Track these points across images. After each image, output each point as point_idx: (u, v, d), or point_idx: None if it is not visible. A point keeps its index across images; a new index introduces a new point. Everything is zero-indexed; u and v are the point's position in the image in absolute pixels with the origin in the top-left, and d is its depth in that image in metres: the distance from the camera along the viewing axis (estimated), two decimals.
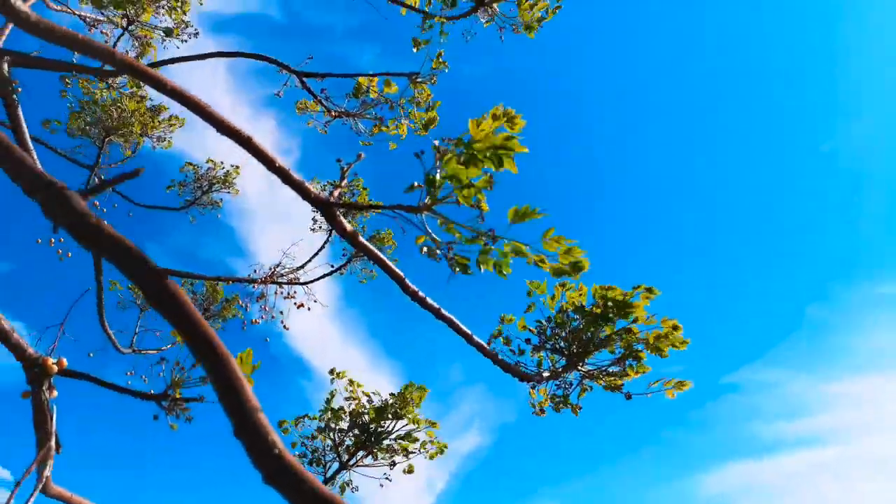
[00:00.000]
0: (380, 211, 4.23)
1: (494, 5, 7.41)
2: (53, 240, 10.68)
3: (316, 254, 12.35)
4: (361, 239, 4.34)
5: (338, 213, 4.42)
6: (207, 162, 13.62)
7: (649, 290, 4.77)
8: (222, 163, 13.62)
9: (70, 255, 10.59)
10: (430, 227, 4.03)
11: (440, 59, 7.60)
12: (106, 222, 2.10)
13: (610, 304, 4.83)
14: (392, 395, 7.98)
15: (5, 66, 8.51)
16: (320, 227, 13.85)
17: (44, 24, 2.88)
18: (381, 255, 4.39)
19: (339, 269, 12.33)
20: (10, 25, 9.34)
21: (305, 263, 11.93)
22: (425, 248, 4.03)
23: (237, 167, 13.73)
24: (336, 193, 4.49)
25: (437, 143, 3.76)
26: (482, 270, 3.48)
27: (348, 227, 4.35)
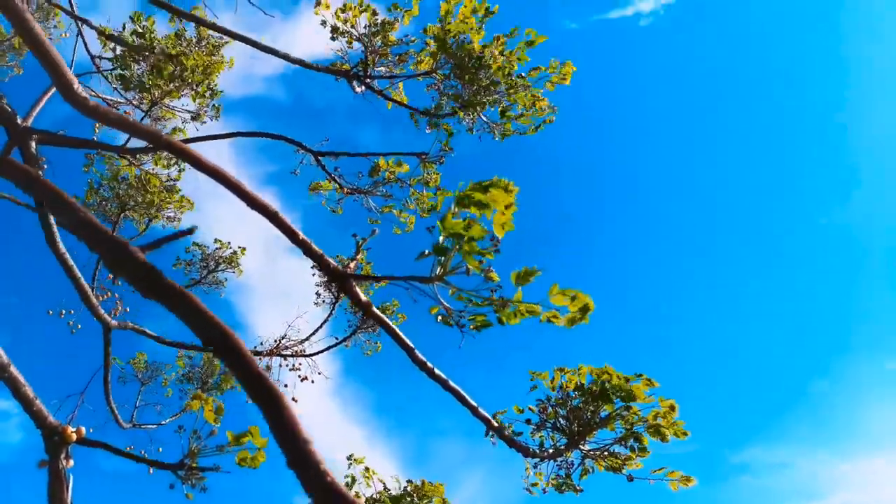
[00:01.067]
0: (386, 282, 4.49)
1: (478, 110, 7.90)
2: (64, 311, 10.90)
3: (321, 325, 12.51)
4: (375, 310, 4.57)
5: (354, 284, 4.67)
6: (215, 242, 13.96)
7: (649, 381, 4.93)
8: (229, 243, 13.97)
9: (80, 326, 10.78)
10: (441, 296, 4.28)
11: (447, 145, 8.07)
12: (163, 274, 2.34)
13: (608, 386, 4.98)
14: (410, 482, 7.95)
15: (33, 145, 9.00)
16: (323, 301, 14.07)
17: (101, 109, 3.22)
18: (394, 326, 4.61)
19: (344, 340, 12.44)
20: (43, 102, 9.93)
21: (311, 335, 12.06)
22: (440, 317, 4.26)
23: (243, 248, 14.05)
24: (352, 266, 4.75)
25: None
26: (503, 324, 3.71)
27: (363, 298, 4.59)
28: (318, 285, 14.04)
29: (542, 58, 7.50)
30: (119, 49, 9.56)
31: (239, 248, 13.82)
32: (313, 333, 13.02)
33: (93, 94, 11.76)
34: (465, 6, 7.41)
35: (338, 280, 4.63)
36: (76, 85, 3.30)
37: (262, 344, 12.41)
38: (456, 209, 3.99)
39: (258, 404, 1.76)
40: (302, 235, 4.15)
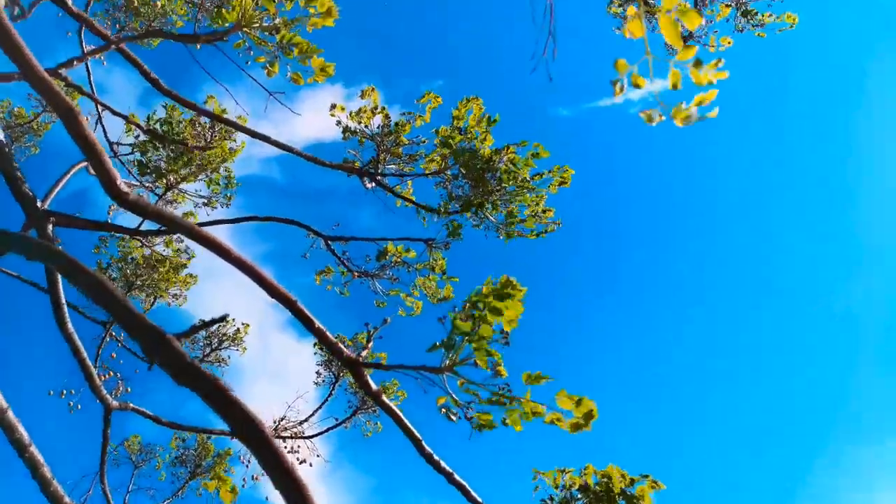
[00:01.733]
0: (383, 369, 4.61)
1: (485, 210, 8.26)
2: (64, 391, 10.88)
3: (321, 406, 12.45)
4: (385, 399, 4.66)
5: (365, 372, 4.79)
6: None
7: (655, 482, 4.98)
8: (234, 319, 14.07)
9: (79, 407, 10.73)
10: (450, 386, 4.40)
11: (454, 233, 8.35)
12: (197, 362, 2.48)
13: (612, 489, 5.00)
14: None
15: (50, 227, 9.27)
16: (323, 381, 14.03)
17: (141, 203, 3.46)
18: (402, 417, 4.68)
19: (344, 422, 12.34)
20: (61, 185, 10.29)
21: (311, 416, 11.98)
22: (444, 410, 4.36)
23: (247, 325, 14.15)
24: (364, 354, 4.88)
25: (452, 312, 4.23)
26: (507, 426, 3.78)
27: (374, 386, 4.69)
28: (318, 364, 14.06)
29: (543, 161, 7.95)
30: (141, 137, 10.00)
31: (243, 324, 13.91)
32: (313, 414, 12.92)
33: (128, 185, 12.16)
34: (474, 113, 7.89)
35: (350, 367, 4.74)
36: (119, 180, 3.55)
37: (275, 421, 12.29)
38: (468, 307, 4.17)
39: (285, 496, 1.86)
40: (318, 324, 4.31)
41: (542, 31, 3.35)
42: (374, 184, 8.08)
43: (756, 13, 10.66)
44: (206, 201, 10.54)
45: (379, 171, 8.03)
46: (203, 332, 13.95)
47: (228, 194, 10.72)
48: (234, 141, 12.27)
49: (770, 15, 10.43)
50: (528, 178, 7.64)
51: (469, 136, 7.63)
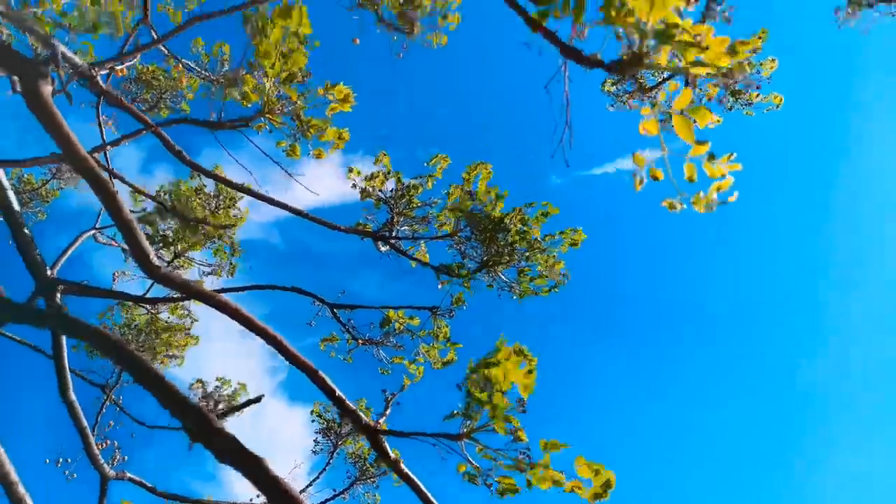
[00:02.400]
0: (392, 437, 4.68)
1: (497, 269, 8.51)
2: (61, 460, 10.72)
3: (319, 475, 12.25)
4: (404, 467, 4.71)
5: (383, 440, 4.86)
6: (217, 380, 13.99)
7: None
8: (230, 380, 13.98)
9: (75, 475, 10.56)
10: (469, 453, 4.46)
11: (459, 300, 8.53)
12: (240, 441, 2.59)
13: None
14: None
15: (58, 295, 9.39)
16: (321, 450, 13.84)
17: (170, 276, 3.63)
18: (422, 486, 4.71)
19: (342, 493, 12.12)
20: (69, 252, 10.43)
21: (308, 486, 11.78)
22: (466, 476, 4.42)
23: (244, 384, 14.05)
24: (381, 421, 4.95)
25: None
26: (530, 489, 3.84)
27: (392, 454, 4.75)
28: (316, 433, 13.90)
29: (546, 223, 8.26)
30: (150, 206, 10.26)
31: (239, 384, 13.81)
32: (310, 485, 12.70)
33: (114, 244, 12.35)
34: (483, 177, 8.23)
35: (368, 435, 4.80)
36: (152, 255, 3.72)
37: (257, 496, 12.05)
38: (482, 374, 4.30)
39: None
40: (338, 392, 4.40)
41: (551, 110, 3.60)
42: (388, 247, 8.30)
43: (744, 93, 11.19)
44: (211, 269, 10.72)
45: (393, 233, 8.27)
46: (200, 394, 13.84)
47: (234, 262, 10.91)
48: (238, 209, 12.55)
49: (758, 95, 10.96)
50: (539, 238, 7.90)
51: (479, 200, 7.93)
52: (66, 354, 8.94)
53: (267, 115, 4.93)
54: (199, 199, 11.77)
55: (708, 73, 2.41)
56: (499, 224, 7.74)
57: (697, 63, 2.53)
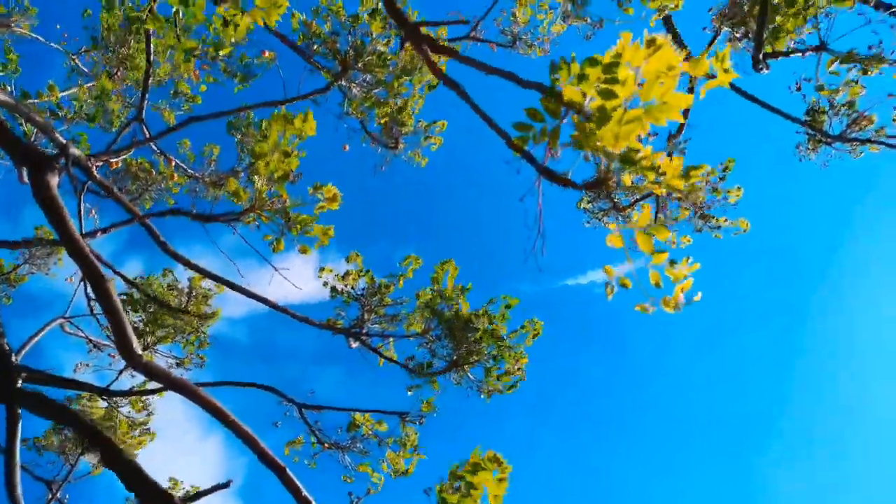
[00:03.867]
0: None
1: (465, 369, 8.61)
2: None
3: None
4: None
5: None
6: (169, 481, 13.39)
7: None
8: (182, 482, 13.38)
9: None
10: None
11: (431, 403, 8.50)
12: None
13: None
14: None
15: (20, 382, 9.15)
16: None
17: (151, 365, 3.67)
18: None
19: None
20: (35, 340, 10.26)
21: None
22: None
23: (196, 487, 13.42)
24: None
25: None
26: None
27: None
28: None
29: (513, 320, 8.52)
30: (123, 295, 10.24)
31: (192, 487, 13.18)
32: None
33: (81, 336, 12.16)
34: (451, 275, 8.49)
35: None
36: (136, 342, 3.77)
37: None
38: (452, 480, 4.31)
39: None
40: (304, 492, 4.33)
41: (526, 222, 3.86)
42: (358, 343, 8.35)
43: (713, 217, 11.84)
44: (179, 362, 10.56)
45: (363, 330, 8.36)
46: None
47: (202, 354, 10.79)
48: (210, 306, 12.56)
49: (725, 220, 11.61)
50: (505, 337, 8.05)
51: (448, 299, 8.13)
52: (18, 448, 8.59)
53: (257, 211, 5.15)
54: (172, 294, 11.78)
55: (669, 195, 2.70)
56: (467, 323, 7.91)
57: (656, 184, 2.83)
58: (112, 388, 10.27)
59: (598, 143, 2.87)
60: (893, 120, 9.90)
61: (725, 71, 3.55)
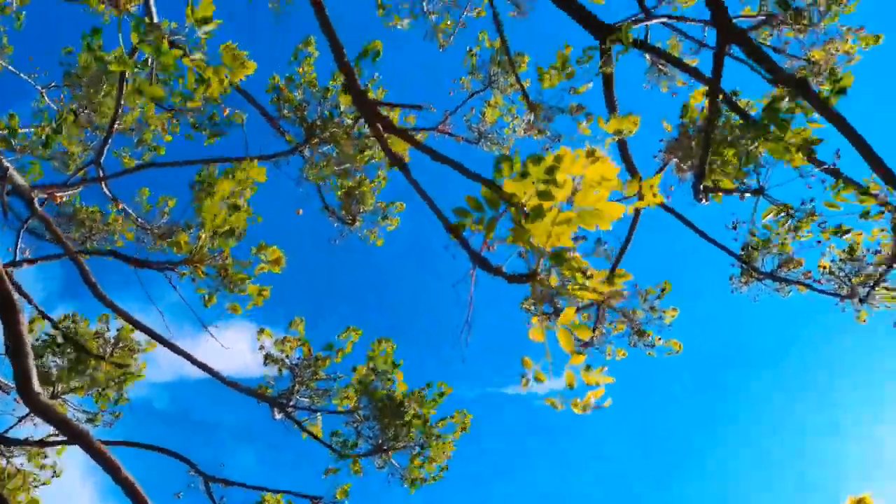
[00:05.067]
0: None
1: (390, 452, 8.38)
2: None
3: None
4: None
5: None
6: None
7: None
8: None
9: None
10: None
11: (345, 491, 8.15)
12: None
13: None
14: None
15: None
16: None
17: (51, 408, 3.46)
18: None
19: None
20: None
21: None
22: None
23: None
24: None
25: None
26: None
27: None
28: None
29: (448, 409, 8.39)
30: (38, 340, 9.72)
31: None
32: None
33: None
34: (387, 354, 8.40)
35: None
36: (35, 380, 3.56)
37: None
38: None
39: None
40: None
41: (460, 317, 3.91)
42: (283, 414, 8.03)
43: (649, 334, 12.15)
44: (90, 417, 9.92)
45: (291, 402, 8.05)
46: None
47: (116, 412, 10.18)
48: (136, 360, 12.00)
49: (659, 339, 11.92)
50: (433, 424, 7.87)
51: (383, 377, 7.98)
52: None
53: (195, 264, 5.07)
54: (97, 341, 11.26)
55: (589, 298, 2.80)
56: (398, 405, 7.74)
57: (582, 287, 2.94)
58: (8, 434, 9.56)
59: (532, 240, 2.99)
60: (819, 267, 10.55)
61: (654, 195, 3.81)
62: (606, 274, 3.07)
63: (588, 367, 2.77)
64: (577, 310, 12.06)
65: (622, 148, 8.84)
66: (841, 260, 10.58)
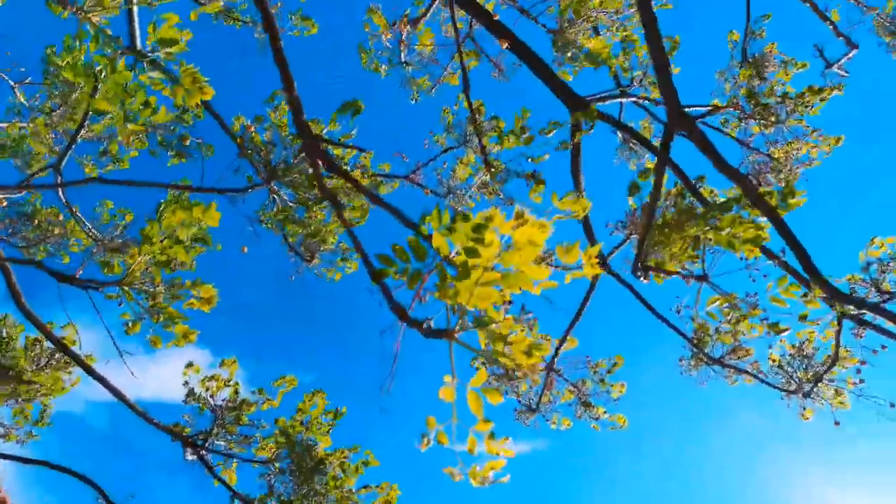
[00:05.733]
0: None
1: None
2: None
3: None
4: None
5: None
6: None
7: None
8: None
9: None
10: None
11: None
12: None
13: None
14: None
15: None
16: None
17: None
18: None
19: None
20: None
21: None
22: None
23: None
24: None
25: None
26: None
27: None
28: None
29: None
30: None
31: None
32: None
33: None
34: (318, 407, 8.09)
35: None
36: None
37: None
38: None
39: None
40: None
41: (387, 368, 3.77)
42: (195, 457, 7.58)
43: (594, 407, 12.05)
44: (2, 432, 9.36)
45: (207, 444, 7.61)
46: None
47: (32, 432, 9.63)
48: (70, 374, 11.46)
49: (605, 412, 11.82)
50: (353, 490, 7.49)
51: (310, 431, 7.62)
52: None
53: (124, 286, 4.86)
54: (31, 353, 10.77)
55: (505, 363, 2.71)
56: (319, 464, 7.38)
57: (503, 354, 2.85)
58: None
59: (455, 297, 2.91)
60: (769, 359, 10.64)
61: (591, 266, 3.78)
62: (531, 342, 2.99)
63: (492, 436, 2.65)
64: (523, 375, 11.94)
65: (586, 225, 8.89)
66: (791, 355, 10.69)
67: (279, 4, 12.14)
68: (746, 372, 10.58)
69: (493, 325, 2.93)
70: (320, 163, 4.07)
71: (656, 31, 4.99)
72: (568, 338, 10.41)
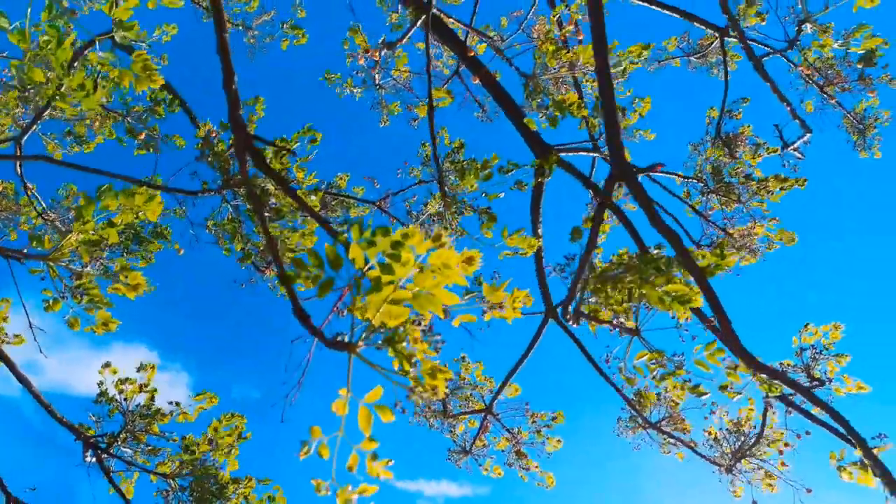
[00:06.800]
0: None
1: None
2: None
3: None
4: None
5: None
6: None
7: None
8: None
9: None
10: None
11: None
12: None
13: None
14: None
15: None
16: None
17: None
18: None
19: None
20: None
21: None
22: None
23: None
24: None
25: None
26: None
27: None
28: None
29: None
30: None
31: None
32: None
33: None
34: (238, 427, 7.82)
35: None
36: None
37: None
38: None
39: None
40: None
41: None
42: (94, 460, 7.18)
43: (527, 458, 11.92)
44: None
45: (110, 450, 7.22)
46: None
47: None
48: None
49: (537, 466, 11.71)
50: None
51: (217, 451, 7.29)
52: None
53: (49, 261, 4.69)
54: None
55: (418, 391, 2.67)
56: (221, 490, 7.01)
57: (407, 373, 2.81)
58: None
59: (364, 312, 2.87)
60: (704, 431, 10.67)
61: (514, 308, 3.78)
62: (436, 364, 2.95)
63: (374, 456, 2.58)
64: (465, 413, 11.79)
65: (538, 260, 8.88)
66: (728, 430, 10.73)
67: (273, 12, 12.22)
68: (682, 441, 10.58)
69: (402, 344, 2.89)
70: (249, 159, 4.03)
71: (609, 79, 5.11)
72: (509, 383, 10.35)
